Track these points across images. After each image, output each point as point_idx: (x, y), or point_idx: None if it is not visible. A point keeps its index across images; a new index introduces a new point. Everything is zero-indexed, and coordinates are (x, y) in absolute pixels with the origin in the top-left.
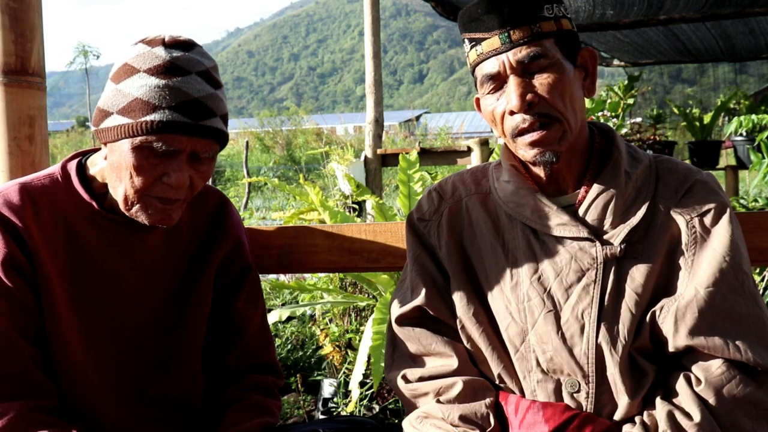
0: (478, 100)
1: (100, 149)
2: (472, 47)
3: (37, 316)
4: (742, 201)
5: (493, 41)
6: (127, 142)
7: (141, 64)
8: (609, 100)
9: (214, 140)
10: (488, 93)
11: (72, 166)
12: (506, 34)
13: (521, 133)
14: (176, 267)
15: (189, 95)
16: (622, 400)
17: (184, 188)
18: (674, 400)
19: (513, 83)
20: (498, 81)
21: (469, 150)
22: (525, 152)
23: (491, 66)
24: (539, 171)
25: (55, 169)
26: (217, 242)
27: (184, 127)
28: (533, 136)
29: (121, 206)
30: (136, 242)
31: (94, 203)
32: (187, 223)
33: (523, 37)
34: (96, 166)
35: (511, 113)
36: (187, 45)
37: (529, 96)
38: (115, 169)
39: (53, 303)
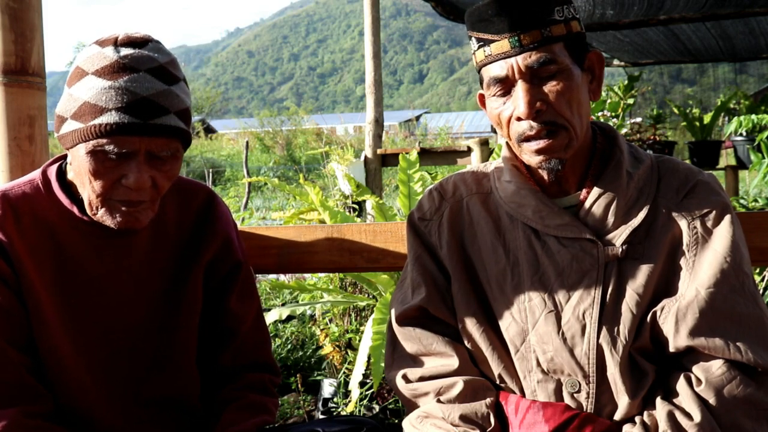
0: (482, 96)
1: None
2: (479, 47)
3: (24, 323)
4: (742, 201)
5: (503, 44)
6: (82, 147)
7: (90, 66)
8: (609, 100)
9: (170, 138)
10: (495, 95)
11: (52, 172)
12: (516, 38)
13: (527, 139)
14: (164, 267)
15: (137, 94)
16: (623, 400)
17: (145, 189)
18: (674, 400)
19: (521, 90)
20: (505, 85)
21: (469, 150)
22: (530, 158)
23: (499, 69)
24: (543, 173)
25: (35, 175)
26: (204, 240)
27: (134, 128)
28: (540, 143)
29: (88, 211)
30: (121, 245)
31: (75, 209)
32: (174, 222)
33: (533, 42)
34: (72, 171)
35: (518, 119)
36: (141, 42)
37: (537, 104)
38: (78, 175)
39: (39, 310)
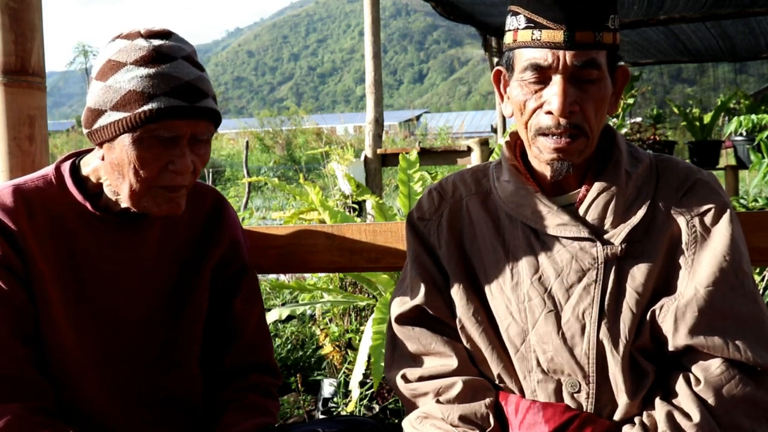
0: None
1: (93, 150)
2: (527, 27)
3: (32, 317)
4: (742, 201)
5: (556, 34)
6: (127, 137)
7: (126, 57)
8: None
9: (210, 121)
10: (526, 81)
11: (66, 168)
12: (571, 33)
13: (548, 134)
14: (172, 267)
15: (181, 79)
16: (622, 400)
17: (188, 173)
18: (674, 401)
19: (560, 86)
20: (542, 74)
21: (469, 150)
22: (543, 153)
23: (544, 57)
24: (545, 171)
25: (48, 170)
26: (212, 242)
27: (183, 111)
28: (559, 142)
29: (127, 202)
30: (132, 243)
31: (88, 204)
32: (185, 222)
33: (586, 42)
34: (89, 166)
35: (548, 113)
36: (165, 34)
37: (573, 106)
38: (116, 167)
39: (48, 305)
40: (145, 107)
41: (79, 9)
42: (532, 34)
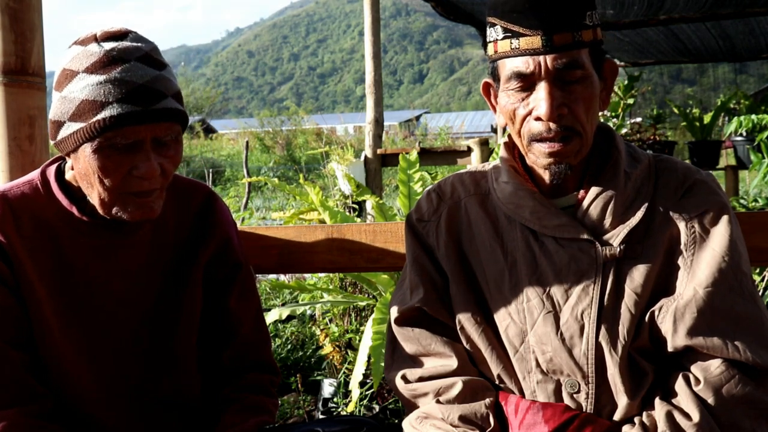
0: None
1: None
2: (505, 38)
3: (24, 324)
4: (742, 201)
5: (534, 40)
6: (87, 147)
7: (78, 65)
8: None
9: (172, 122)
10: (512, 90)
11: (51, 172)
12: (549, 37)
13: (542, 140)
14: (164, 267)
15: (134, 83)
16: (622, 401)
17: (156, 177)
18: (673, 401)
19: (545, 91)
20: (527, 81)
21: (469, 150)
22: (539, 159)
23: (525, 65)
24: (544, 174)
25: (34, 175)
26: (204, 241)
27: (138, 116)
28: (553, 146)
29: (100, 210)
30: (121, 245)
31: (74, 209)
32: (174, 222)
33: (565, 44)
34: (70, 171)
35: (537, 119)
36: (121, 35)
37: (560, 108)
38: (84, 176)
39: (39, 310)
40: (99, 116)
41: (79, 8)
42: (511, 43)
